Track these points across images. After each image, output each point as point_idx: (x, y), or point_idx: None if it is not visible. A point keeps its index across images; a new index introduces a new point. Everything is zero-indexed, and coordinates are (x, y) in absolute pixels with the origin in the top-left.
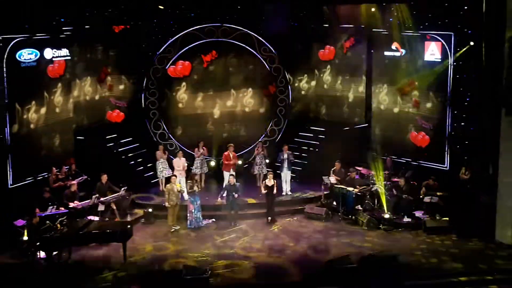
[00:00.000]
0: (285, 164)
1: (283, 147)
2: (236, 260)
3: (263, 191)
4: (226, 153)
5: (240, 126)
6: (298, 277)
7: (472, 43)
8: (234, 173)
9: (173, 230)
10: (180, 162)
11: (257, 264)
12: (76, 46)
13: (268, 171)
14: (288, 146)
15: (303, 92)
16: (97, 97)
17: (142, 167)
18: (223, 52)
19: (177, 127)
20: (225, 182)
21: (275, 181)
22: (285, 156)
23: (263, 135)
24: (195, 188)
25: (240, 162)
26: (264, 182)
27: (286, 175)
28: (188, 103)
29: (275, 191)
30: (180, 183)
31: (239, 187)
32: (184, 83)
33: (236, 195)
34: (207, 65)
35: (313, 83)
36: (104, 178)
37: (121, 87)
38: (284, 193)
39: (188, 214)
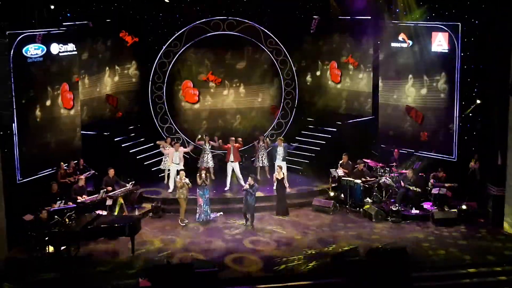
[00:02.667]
0: (279, 157)
1: (277, 140)
2: (244, 253)
3: (275, 184)
4: (227, 145)
5: (246, 120)
6: (306, 269)
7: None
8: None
9: (183, 224)
10: (176, 154)
11: (265, 257)
12: (82, 41)
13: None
14: (283, 139)
15: (308, 83)
16: (104, 92)
17: (149, 161)
18: (230, 45)
19: (184, 121)
20: (229, 176)
21: (284, 174)
22: (280, 149)
23: (270, 128)
24: (203, 180)
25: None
26: (274, 175)
27: (282, 167)
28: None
29: (286, 184)
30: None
31: (256, 189)
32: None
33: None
34: (205, 79)
35: (320, 74)
36: (111, 172)
37: (128, 79)
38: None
39: (197, 208)
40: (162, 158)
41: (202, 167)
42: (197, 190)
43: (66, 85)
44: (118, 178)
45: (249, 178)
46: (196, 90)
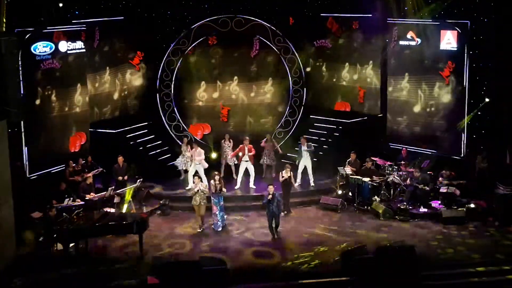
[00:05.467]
0: (305, 155)
1: (301, 139)
2: (251, 251)
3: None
4: (241, 145)
5: (254, 118)
6: (314, 267)
7: (487, 100)
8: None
9: (199, 230)
10: (195, 153)
11: (272, 255)
12: (91, 39)
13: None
14: (306, 138)
15: (316, 82)
16: (113, 90)
17: (158, 158)
18: (238, 43)
19: (192, 118)
20: (240, 174)
21: (291, 173)
22: (304, 147)
23: (278, 126)
24: (216, 187)
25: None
26: (280, 173)
27: (307, 166)
28: (203, 95)
29: (294, 183)
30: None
31: (279, 196)
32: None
33: (280, 209)
34: (222, 107)
35: (328, 73)
36: (120, 160)
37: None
38: (297, 184)
39: (213, 217)
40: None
41: (214, 173)
42: (212, 198)
43: (84, 136)
44: (129, 167)
45: (270, 187)
46: (201, 135)
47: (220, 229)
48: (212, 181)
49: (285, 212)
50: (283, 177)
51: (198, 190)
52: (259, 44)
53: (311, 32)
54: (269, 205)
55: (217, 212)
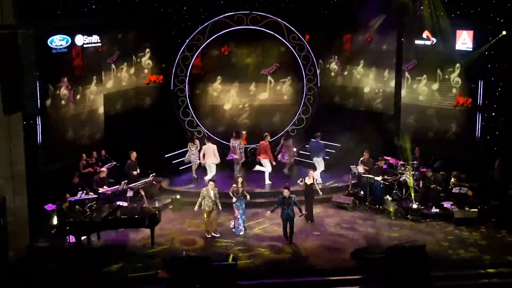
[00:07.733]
0: (321, 152)
1: (316, 135)
2: (261, 248)
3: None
4: (263, 142)
5: (268, 115)
6: (325, 265)
7: (504, 32)
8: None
9: (209, 236)
10: (209, 149)
11: (282, 252)
12: (107, 34)
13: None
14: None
15: (331, 77)
16: (128, 85)
17: (171, 154)
18: (251, 40)
19: (206, 115)
20: (259, 168)
21: (315, 178)
22: (321, 143)
23: (291, 124)
24: (241, 191)
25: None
26: (303, 179)
27: (320, 162)
28: (216, 92)
29: (319, 191)
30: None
31: (295, 200)
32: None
33: (298, 213)
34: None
35: (343, 73)
36: (133, 155)
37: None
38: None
39: (234, 220)
40: (182, 152)
41: (237, 176)
42: (233, 201)
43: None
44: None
45: (285, 190)
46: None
47: (241, 233)
48: (233, 185)
49: (309, 221)
50: (305, 183)
51: (207, 195)
52: (276, 68)
53: (326, 47)
54: (284, 208)
55: (238, 216)
